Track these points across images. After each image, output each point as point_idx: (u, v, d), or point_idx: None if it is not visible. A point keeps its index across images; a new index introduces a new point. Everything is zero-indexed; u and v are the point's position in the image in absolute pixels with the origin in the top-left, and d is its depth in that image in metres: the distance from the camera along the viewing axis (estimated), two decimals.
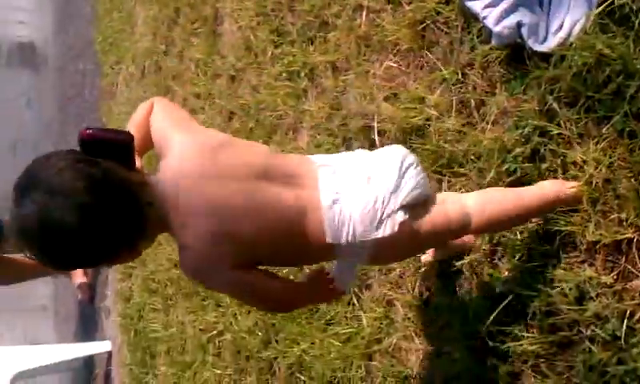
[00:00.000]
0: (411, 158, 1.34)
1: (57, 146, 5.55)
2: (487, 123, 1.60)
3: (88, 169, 1.10)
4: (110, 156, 1.13)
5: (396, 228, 1.25)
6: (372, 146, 1.96)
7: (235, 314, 2.60)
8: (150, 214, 1.16)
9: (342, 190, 1.27)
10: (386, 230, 1.25)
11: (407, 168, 1.31)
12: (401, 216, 1.26)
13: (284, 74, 2.40)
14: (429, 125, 1.74)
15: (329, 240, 1.25)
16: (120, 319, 3.69)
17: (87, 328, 4.38)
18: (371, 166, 1.31)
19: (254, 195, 1.21)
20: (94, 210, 1.08)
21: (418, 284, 1.77)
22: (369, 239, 1.26)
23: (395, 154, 1.34)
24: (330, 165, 1.31)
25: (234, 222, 1.19)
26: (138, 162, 1.22)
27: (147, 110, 1.30)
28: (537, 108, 1.47)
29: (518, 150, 1.50)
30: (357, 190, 1.27)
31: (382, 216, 1.26)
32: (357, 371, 1.93)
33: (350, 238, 1.25)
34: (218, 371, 2.66)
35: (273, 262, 1.34)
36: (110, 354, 3.95)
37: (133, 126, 1.27)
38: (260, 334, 2.39)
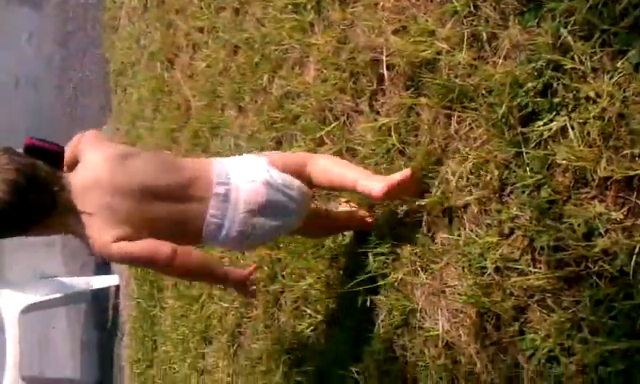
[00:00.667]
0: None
1: (58, 81, 5.52)
2: (499, 57, 1.57)
3: (20, 160, 1.52)
4: (44, 159, 1.56)
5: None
6: (380, 81, 1.94)
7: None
8: (60, 200, 1.56)
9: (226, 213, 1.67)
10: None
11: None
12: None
13: (290, 7, 2.36)
14: (439, 59, 1.71)
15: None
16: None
17: (95, 262, 4.42)
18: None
19: (144, 206, 1.61)
20: (20, 188, 1.49)
21: (424, 219, 1.77)
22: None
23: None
24: (226, 183, 1.68)
25: (124, 218, 1.58)
26: (65, 169, 1.62)
27: (78, 138, 1.70)
28: (550, 41, 1.43)
29: (529, 84, 1.48)
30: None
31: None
32: (362, 305, 1.94)
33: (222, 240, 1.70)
34: (225, 305, 2.69)
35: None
36: (117, 287, 4.00)
37: (68, 148, 1.66)
38: (266, 268, 2.41)
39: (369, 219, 1.94)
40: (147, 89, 3.58)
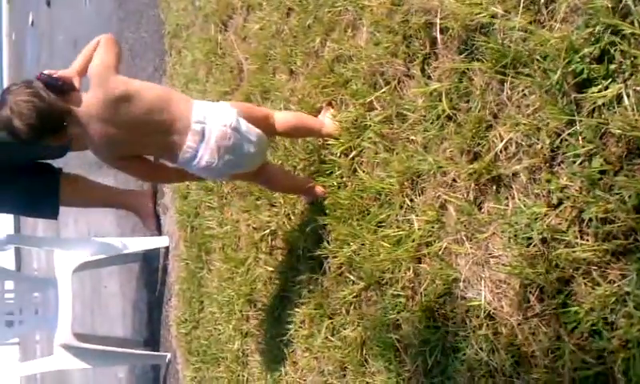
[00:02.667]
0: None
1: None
2: (556, 21, 1.52)
3: (36, 93, 1.95)
4: (54, 89, 1.96)
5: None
6: (433, 44, 1.90)
7: (288, 215, 2.62)
8: (69, 121, 1.99)
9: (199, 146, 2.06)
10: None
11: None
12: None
13: None
14: (494, 23, 1.67)
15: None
16: (177, 216, 3.77)
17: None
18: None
19: (138, 140, 2.07)
20: (39, 108, 1.93)
21: (472, 187, 1.74)
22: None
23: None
24: (203, 122, 2.05)
25: (118, 143, 2.05)
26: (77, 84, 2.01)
27: (93, 46, 2.04)
28: (610, 5, 1.38)
29: (586, 50, 1.43)
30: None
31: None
32: (405, 273, 1.93)
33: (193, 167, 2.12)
34: (270, 269, 2.71)
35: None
36: (167, 249, 4.06)
37: (82, 57, 2.04)
38: (311, 234, 2.41)
39: (320, 190, 2.34)
40: (201, 51, 3.60)
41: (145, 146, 2.11)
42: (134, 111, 2.01)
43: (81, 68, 2.03)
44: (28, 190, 3.56)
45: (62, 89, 1.98)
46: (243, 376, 2.87)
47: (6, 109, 1.93)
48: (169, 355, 3.96)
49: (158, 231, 4.16)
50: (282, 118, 2.31)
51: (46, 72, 1.98)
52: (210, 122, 2.06)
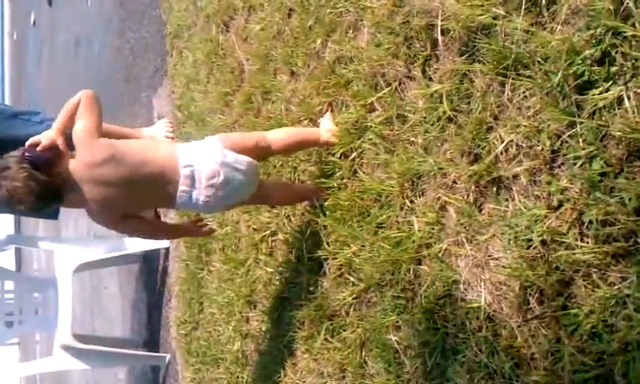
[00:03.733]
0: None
1: (117, 41, 5.60)
2: (557, 23, 1.52)
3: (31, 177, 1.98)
4: (44, 165, 2.01)
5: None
6: (434, 46, 1.90)
7: (288, 216, 2.62)
8: (64, 190, 2.03)
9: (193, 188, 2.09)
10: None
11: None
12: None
13: None
14: (495, 24, 1.66)
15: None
16: (177, 217, 3.77)
17: None
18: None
19: (131, 197, 2.09)
20: (37, 195, 1.98)
21: (473, 189, 1.73)
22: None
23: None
24: (191, 165, 2.08)
25: (112, 206, 2.09)
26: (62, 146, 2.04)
27: (74, 104, 2.06)
28: (611, 7, 1.38)
29: (587, 52, 1.42)
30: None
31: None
32: (405, 275, 1.92)
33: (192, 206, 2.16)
34: (270, 270, 2.70)
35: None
36: (167, 250, 4.06)
37: (62, 115, 2.07)
38: (311, 235, 2.41)
39: (318, 192, 2.36)
40: (202, 52, 3.60)
41: (139, 201, 2.15)
42: (120, 171, 2.05)
43: (63, 126, 2.07)
44: None
45: (50, 162, 2.03)
46: (243, 377, 2.87)
47: (3, 191, 1.99)
48: (168, 356, 3.96)
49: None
50: (276, 138, 2.30)
51: (27, 144, 2.03)
52: (198, 163, 2.09)
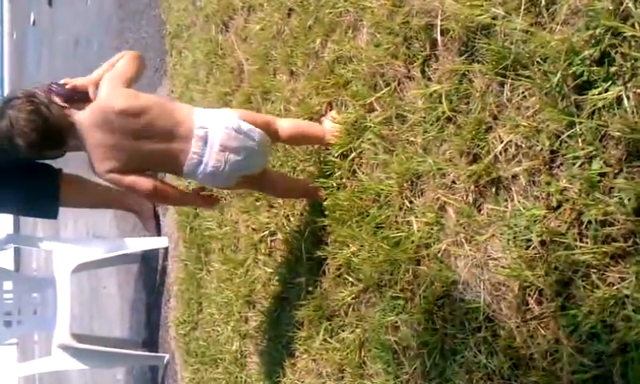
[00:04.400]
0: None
1: (116, 42, 5.60)
2: (557, 23, 1.52)
3: (39, 104, 2.01)
4: (66, 98, 2.03)
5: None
6: (434, 46, 1.90)
7: (287, 216, 2.61)
8: (69, 131, 2.03)
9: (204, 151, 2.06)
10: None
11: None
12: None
13: None
14: (494, 24, 1.66)
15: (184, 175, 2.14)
16: (177, 216, 3.77)
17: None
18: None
19: (139, 149, 2.03)
20: (39, 126, 1.99)
21: (472, 189, 1.73)
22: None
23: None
24: (205, 127, 2.06)
25: (118, 153, 2.02)
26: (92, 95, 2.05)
27: (117, 58, 2.12)
28: (610, 7, 1.38)
29: (586, 52, 1.42)
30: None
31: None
32: (404, 275, 1.92)
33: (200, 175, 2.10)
34: (269, 270, 2.70)
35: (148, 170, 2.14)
36: (166, 249, 4.05)
37: (103, 68, 2.11)
38: (310, 235, 2.40)
39: (319, 192, 2.33)
40: (201, 51, 3.59)
41: (149, 157, 2.07)
42: (136, 120, 2.02)
43: (99, 78, 2.07)
44: (28, 189, 3.56)
45: (74, 98, 2.03)
46: (241, 378, 2.87)
47: (6, 121, 1.98)
48: (167, 356, 3.96)
49: (158, 232, 4.15)
50: (286, 125, 2.29)
51: (61, 81, 2.04)
52: (213, 126, 2.07)
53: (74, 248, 4.07)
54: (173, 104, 2.24)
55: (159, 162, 2.11)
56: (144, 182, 2.09)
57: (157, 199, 2.50)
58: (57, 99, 2.03)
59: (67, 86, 2.04)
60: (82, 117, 2.03)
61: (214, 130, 2.06)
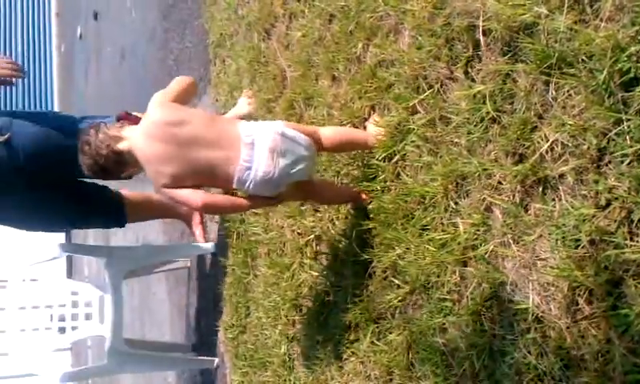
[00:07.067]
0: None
1: (161, 52, 5.68)
2: (601, 20, 1.50)
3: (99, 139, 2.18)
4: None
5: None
6: (476, 47, 1.89)
7: (332, 220, 2.62)
8: (128, 159, 2.16)
9: (253, 157, 2.09)
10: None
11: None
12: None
13: None
14: (538, 23, 1.65)
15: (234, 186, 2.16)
16: (224, 223, 3.81)
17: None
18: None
19: (189, 158, 2.10)
20: (98, 161, 2.18)
21: (518, 189, 1.72)
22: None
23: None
24: (252, 135, 2.10)
25: (172, 166, 2.10)
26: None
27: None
28: None
29: (633, 48, 1.41)
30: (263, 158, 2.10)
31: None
32: (451, 277, 1.92)
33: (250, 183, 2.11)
34: (315, 274, 2.72)
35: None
36: (214, 255, 4.10)
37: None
38: (356, 239, 2.41)
39: (364, 196, 2.36)
40: (244, 59, 3.63)
41: (197, 164, 2.11)
42: (181, 130, 2.10)
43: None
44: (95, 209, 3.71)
45: (129, 118, 2.21)
46: (290, 380, 2.88)
47: (90, 149, 2.19)
48: (217, 360, 4.00)
49: (205, 238, 4.20)
50: (329, 133, 2.31)
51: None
52: (259, 133, 2.11)
53: (125, 255, 4.14)
54: (217, 116, 2.35)
55: (210, 172, 2.13)
56: (196, 195, 2.16)
57: (209, 210, 2.59)
58: (109, 126, 2.19)
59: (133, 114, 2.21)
60: (133, 133, 2.14)
61: (260, 137, 2.10)
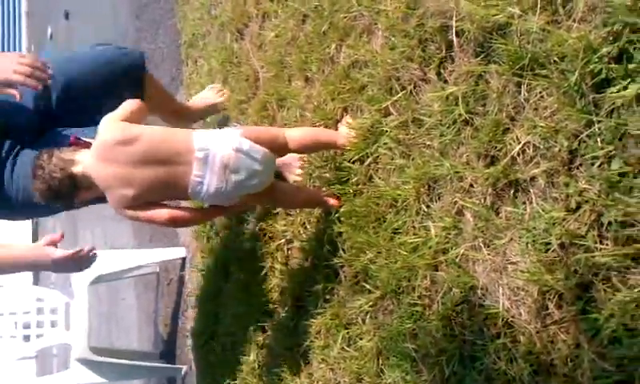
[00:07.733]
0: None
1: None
2: (573, 21, 1.49)
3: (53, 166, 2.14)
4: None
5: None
6: (449, 48, 1.88)
7: (304, 223, 2.59)
8: (82, 183, 2.13)
9: (205, 173, 2.08)
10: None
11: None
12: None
13: None
14: (510, 24, 1.64)
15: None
16: (194, 227, 3.76)
17: (162, 235, 4.49)
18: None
19: (144, 176, 2.07)
20: (53, 186, 2.13)
21: (489, 192, 1.70)
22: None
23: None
24: (206, 149, 2.07)
25: (127, 185, 2.08)
26: None
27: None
28: (628, 3, 1.35)
29: (604, 49, 1.40)
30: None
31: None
32: (422, 281, 1.89)
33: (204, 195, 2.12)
34: (286, 278, 2.68)
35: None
36: (184, 260, 4.05)
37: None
38: (327, 243, 2.38)
39: (332, 201, 2.33)
40: (217, 60, 3.60)
41: (153, 181, 2.09)
42: (134, 148, 2.07)
43: None
44: None
45: (79, 143, 2.19)
46: None
47: (43, 173, 2.15)
48: (185, 367, 3.95)
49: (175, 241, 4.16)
50: (296, 135, 2.27)
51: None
52: (213, 147, 2.08)
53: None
54: (170, 129, 2.29)
55: (167, 186, 2.13)
56: (161, 213, 2.16)
57: (177, 225, 2.50)
58: (62, 150, 2.16)
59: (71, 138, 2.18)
60: (86, 157, 2.13)
61: (214, 152, 2.08)
